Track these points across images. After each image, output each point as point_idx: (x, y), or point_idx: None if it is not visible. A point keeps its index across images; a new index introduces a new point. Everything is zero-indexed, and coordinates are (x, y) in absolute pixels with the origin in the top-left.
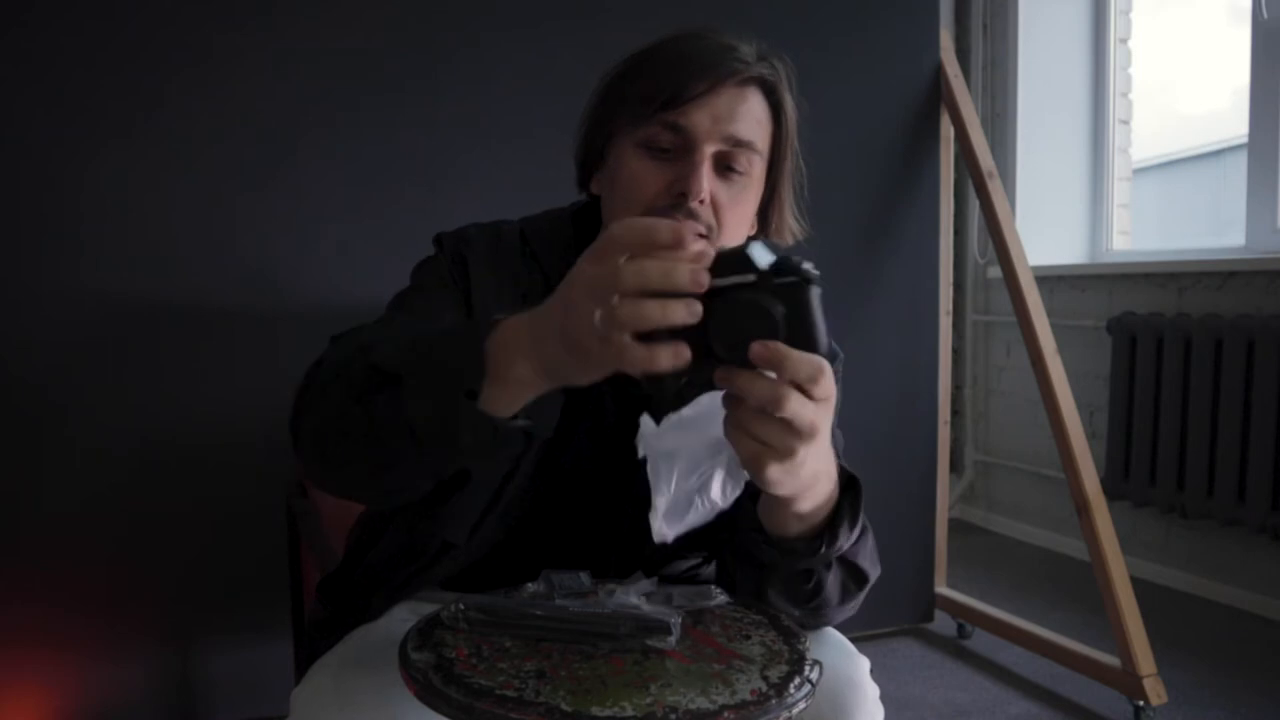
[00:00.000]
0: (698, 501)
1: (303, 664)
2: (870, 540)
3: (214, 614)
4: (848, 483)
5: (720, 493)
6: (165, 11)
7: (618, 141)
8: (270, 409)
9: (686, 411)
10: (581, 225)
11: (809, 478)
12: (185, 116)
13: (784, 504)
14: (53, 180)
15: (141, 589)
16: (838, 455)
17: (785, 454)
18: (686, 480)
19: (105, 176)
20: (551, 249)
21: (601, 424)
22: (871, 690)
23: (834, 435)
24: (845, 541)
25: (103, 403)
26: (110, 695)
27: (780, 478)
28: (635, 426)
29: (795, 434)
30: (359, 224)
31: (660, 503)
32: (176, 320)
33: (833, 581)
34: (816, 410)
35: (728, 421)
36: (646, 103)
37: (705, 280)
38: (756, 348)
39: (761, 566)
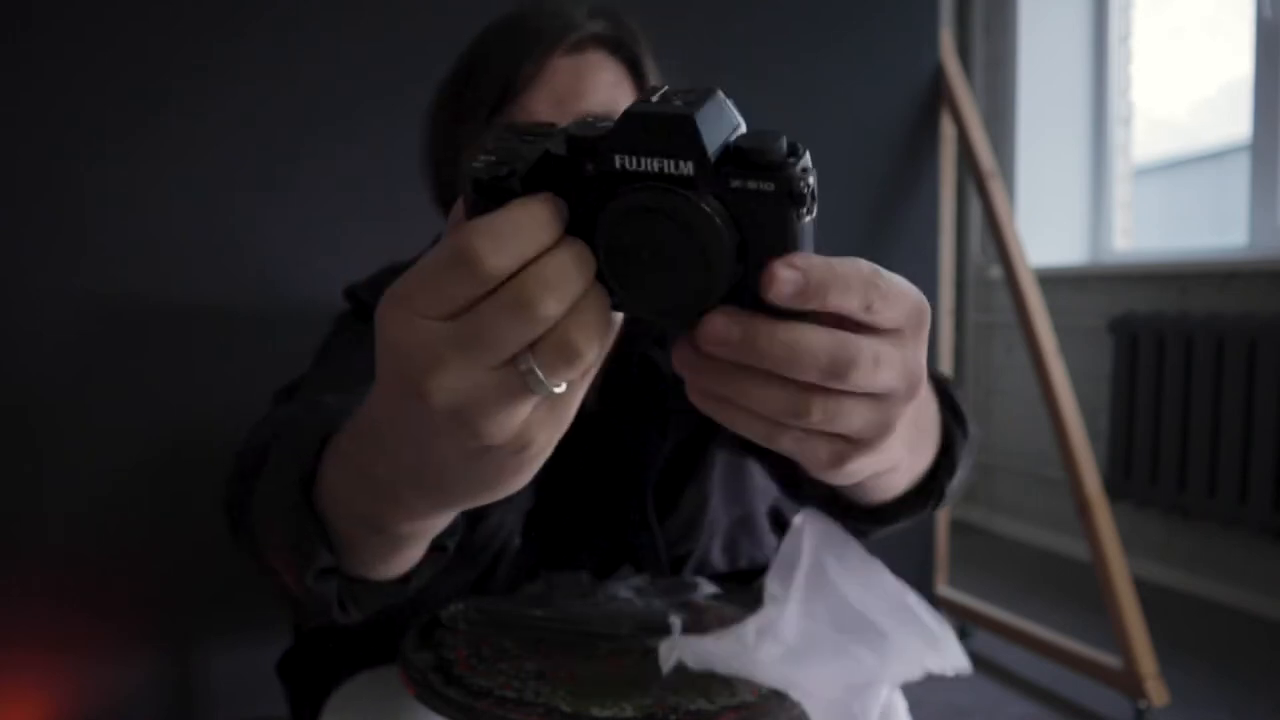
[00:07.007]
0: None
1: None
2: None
3: (214, 614)
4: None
5: None
6: (166, 13)
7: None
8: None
9: (711, 646)
10: None
11: (907, 446)
12: (185, 117)
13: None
14: (53, 181)
15: (141, 589)
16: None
17: (871, 443)
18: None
19: (105, 177)
20: None
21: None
22: (900, 703)
23: None
24: (962, 453)
25: (102, 403)
26: (110, 695)
27: (866, 467)
28: (620, 412)
29: (883, 407)
30: (359, 224)
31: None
32: (176, 320)
33: (955, 484)
34: (905, 355)
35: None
36: (477, 109)
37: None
38: (777, 271)
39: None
